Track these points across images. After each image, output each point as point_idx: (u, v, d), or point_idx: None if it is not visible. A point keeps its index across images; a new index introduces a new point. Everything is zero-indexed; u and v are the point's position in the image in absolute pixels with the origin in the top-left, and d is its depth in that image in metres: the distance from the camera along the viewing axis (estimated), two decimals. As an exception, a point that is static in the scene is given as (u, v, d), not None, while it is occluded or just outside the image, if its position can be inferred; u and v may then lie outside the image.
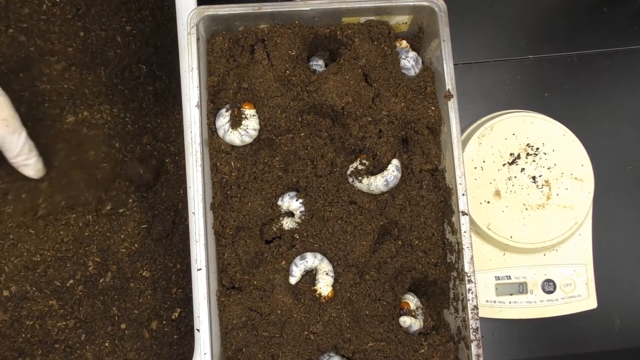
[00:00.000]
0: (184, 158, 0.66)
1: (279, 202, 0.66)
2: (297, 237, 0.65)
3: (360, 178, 0.65)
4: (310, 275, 0.64)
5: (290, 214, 0.67)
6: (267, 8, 0.65)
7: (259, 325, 0.63)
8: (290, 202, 0.65)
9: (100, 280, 0.74)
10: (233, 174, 0.66)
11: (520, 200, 0.79)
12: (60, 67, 0.77)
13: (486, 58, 0.88)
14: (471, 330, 0.61)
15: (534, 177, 0.79)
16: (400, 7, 0.67)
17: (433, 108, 0.67)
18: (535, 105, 0.85)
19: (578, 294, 0.79)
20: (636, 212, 0.84)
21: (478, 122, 0.84)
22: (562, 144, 0.80)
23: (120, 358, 0.73)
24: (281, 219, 0.66)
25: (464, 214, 0.63)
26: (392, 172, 0.64)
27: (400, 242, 0.66)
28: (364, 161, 0.65)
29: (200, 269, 0.62)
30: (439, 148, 0.67)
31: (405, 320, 0.63)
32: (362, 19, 0.69)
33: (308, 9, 0.66)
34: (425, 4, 0.66)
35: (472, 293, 0.62)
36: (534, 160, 0.80)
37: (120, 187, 0.77)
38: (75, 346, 0.73)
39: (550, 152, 0.80)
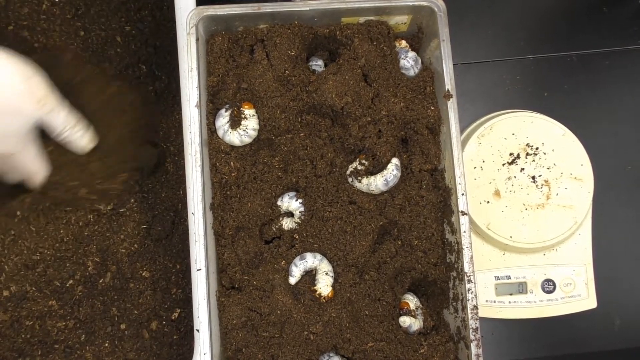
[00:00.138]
0: (183, 158, 0.66)
1: (279, 202, 0.66)
2: (297, 237, 0.65)
3: (359, 178, 0.65)
4: (310, 276, 0.64)
5: (290, 214, 0.67)
6: (267, 8, 0.65)
7: (258, 325, 0.63)
8: (290, 202, 0.65)
9: (100, 281, 0.74)
10: (232, 174, 0.66)
11: (519, 200, 0.79)
12: None
13: (486, 58, 0.88)
14: (471, 330, 0.61)
15: (533, 177, 0.79)
16: (399, 7, 0.67)
17: (432, 108, 0.67)
18: (534, 105, 0.85)
19: (578, 294, 0.79)
20: (636, 212, 0.84)
21: (477, 122, 0.84)
22: (561, 143, 0.80)
23: (120, 358, 0.73)
24: (281, 219, 0.66)
25: (463, 213, 0.63)
26: (392, 171, 0.64)
27: (399, 242, 0.66)
28: (363, 161, 0.65)
29: (200, 269, 0.62)
30: (438, 148, 0.67)
31: (405, 320, 0.63)
32: (362, 19, 0.69)
33: (307, 9, 0.66)
34: (425, 4, 0.66)
35: (471, 293, 0.62)
36: (533, 160, 0.80)
37: (124, 185, 0.77)
38: (75, 346, 0.73)
39: (549, 152, 0.80)
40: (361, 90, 0.66)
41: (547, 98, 0.87)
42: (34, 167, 0.66)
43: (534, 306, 0.79)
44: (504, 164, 0.80)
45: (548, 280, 0.79)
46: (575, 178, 0.79)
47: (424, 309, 0.66)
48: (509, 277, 0.79)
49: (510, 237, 0.78)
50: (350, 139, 0.66)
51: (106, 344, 0.73)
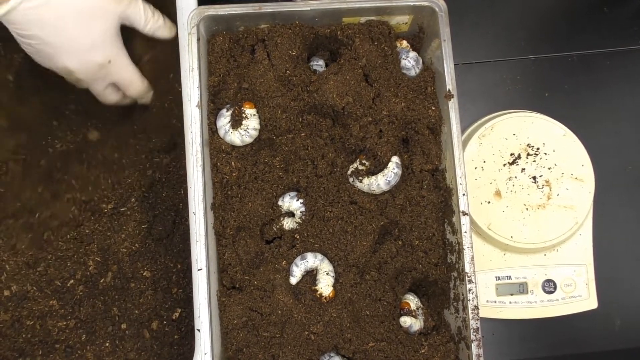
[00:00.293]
0: (184, 158, 0.66)
1: (280, 202, 0.66)
2: (298, 237, 0.65)
3: (360, 178, 0.65)
4: (310, 276, 0.64)
5: (291, 214, 0.67)
6: (268, 8, 0.65)
7: (259, 325, 0.63)
8: (291, 202, 0.65)
9: (101, 280, 0.74)
10: (233, 174, 0.66)
11: (520, 200, 0.79)
12: None
13: (486, 58, 0.88)
14: (471, 331, 0.61)
15: (534, 177, 0.79)
16: (400, 7, 0.67)
17: (433, 108, 0.67)
18: (535, 105, 0.85)
19: (578, 294, 0.79)
20: (636, 212, 0.84)
21: (478, 122, 0.84)
22: (562, 144, 0.80)
23: (121, 358, 0.73)
24: (282, 219, 0.66)
25: (464, 214, 0.63)
26: (393, 169, 0.64)
27: (400, 242, 0.66)
28: (363, 161, 0.65)
29: (201, 269, 0.62)
30: (439, 148, 0.67)
31: (406, 321, 0.63)
32: (363, 19, 0.69)
33: (308, 9, 0.66)
34: (426, 4, 0.66)
35: (472, 293, 0.62)
36: (534, 160, 0.80)
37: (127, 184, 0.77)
38: (76, 346, 0.73)
39: (550, 152, 0.80)
40: (362, 90, 0.66)
41: (547, 98, 0.87)
42: (130, 74, 0.69)
43: (535, 306, 0.79)
44: (504, 164, 0.80)
45: (549, 281, 0.79)
46: (576, 178, 0.79)
47: (425, 309, 0.66)
48: (509, 278, 0.79)
49: (511, 237, 0.78)
50: (351, 139, 0.66)
51: (107, 344, 0.73)
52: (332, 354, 0.63)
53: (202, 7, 0.65)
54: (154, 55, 0.80)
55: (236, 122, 0.65)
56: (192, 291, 0.65)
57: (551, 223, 0.78)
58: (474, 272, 0.62)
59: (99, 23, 0.63)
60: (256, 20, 0.67)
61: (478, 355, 0.61)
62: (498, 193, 0.79)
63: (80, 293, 0.74)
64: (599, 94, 0.87)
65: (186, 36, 0.64)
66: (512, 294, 0.79)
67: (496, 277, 0.79)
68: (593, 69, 0.88)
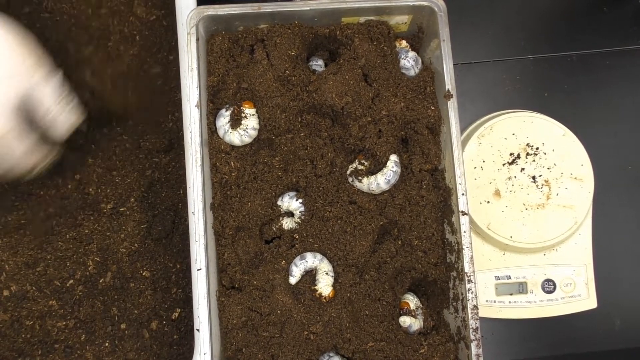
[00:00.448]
0: (183, 158, 0.66)
1: (279, 202, 0.66)
2: (297, 237, 0.65)
3: (360, 178, 0.65)
4: (310, 275, 0.64)
5: (290, 214, 0.67)
6: (267, 8, 0.65)
7: (258, 325, 0.63)
8: (290, 202, 0.65)
9: (100, 280, 0.74)
10: (233, 174, 0.66)
11: (520, 200, 0.79)
12: None
13: (486, 58, 0.88)
14: (471, 330, 0.61)
15: (533, 177, 0.79)
16: (399, 7, 0.67)
17: (433, 108, 0.67)
18: (535, 105, 0.85)
19: (578, 294, 0.79)
20: (636, 212, 0.84)
21: (478, 122, 0.84)
22: (562, 143, 0.80)
23: (121, 358, 0.73)
24: (281, 219, 0.66)
25: (463, 213, 0.63)
26: (392, 168, 0.64)
27: (400, 242, 0.66)
28: (362, 161, 0.65)
29: (200, 269, 0.62)
30: (438, 148, 0.67)
31: (405, 320, 0.63)
32: (362, 19, 0.69)
33: (308, 9, 0.66)
34: (425, 3, 0.66)
35: (472, 293, 0.62)
36: (533, 160, 0.80)
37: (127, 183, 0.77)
38: (75, 346, 0.73)
39: (550, 152, 0.80)
40: (361, 90, 0.66)
41: (547, 98, 0.87)
42: (28, 156, 0.58)
43: (534, 306, 0.79)
44: (504, 164, 0.80)
45: (548, 280, 0.79)
46: (576, 178, 0.79)
47: (424, 308, 0.66)
48: (509, 277, 0.79)
49: (511, 237, 0.78)
50: (351, 139, 0.66)
51: (106, 344, 0.73)
52: (331, 354, 0.63)
53: (202, 7, 0.65)
54: (153, 55, 0.80)
55: (235, 121, 0.65)
56: (191, 291, 0.65)
57: (550, 223, 0.78)
58: (474, 271, 0.62)
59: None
60: (255, 20, 0.67)
61: (477, 355, 0.61)
62: (497, 193, 0.79)
63: (80, 293, 0.74)
64: (598, 93, 0.87)
65: (185, 36, 0.64)
66: (511, 294, 0.79)
67: (495, 276, 0.79)
68: (592, 69, 0.88)
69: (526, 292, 0.79)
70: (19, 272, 0.73)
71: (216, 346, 0.62)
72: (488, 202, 0.79)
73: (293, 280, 0.63)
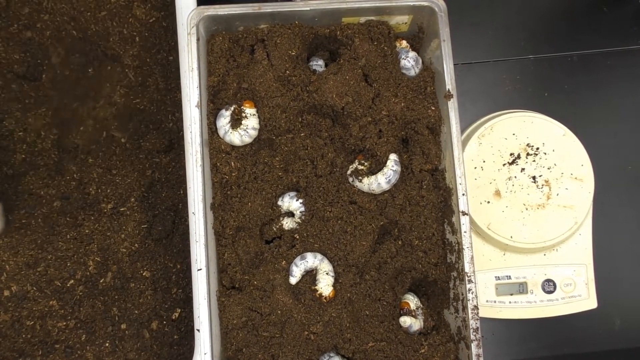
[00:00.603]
0: (184, 158, 0.66)
1: (279, 202, 0.66)
2: (297, 237, 0.65)
3: (360, 178, 0.65)
4: (310, 275, 0.64)
5: (291, 214, 0.67)
6: (267, 8, 0.65)
7: (259, 325, 0.63)
8: (291, 202, 0.65)
9: (101, 281, 0.74)
10: (233, 174, 0.66)
11: (520, 200, 0.79)
12: None
13: (486, 58, 0.88)
14: (471, 330, 0.61)
15: (534, 177, 0.79)
16: (400, 7, 0.67)
17: (433, 108, 0.67)
18: (535, 105, 0.85)
19: (578, 294, 0.79)
20: (636, 212, 0.84)
21: (478, 122, 0.84)
22: (562, 143, 0.80)
23: (121, 358, 0.73)
24: (281, 219, 0.66)
25: (464, 214, 0.63)
26: (392, 167, 0.64)
27: (400, 242, 0.66)
28: (362, 161, 0.65)
29: (201, 269, 0.62)
30: (439, 148, 0.67)
31: (406, 320, 0.63)
32: (362, 19, 0.69)
33: (308, 9, 0.66)
34: (425, 4, 0.66)
35: (472, 293, 0.62)
36: (534, 160, 0.80)
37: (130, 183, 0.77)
38: (76, 346, 0.73)
39: (550, 152, 0.80)
40: (362, 90, 0.66)
41: (547, 98, 0.87)
42: None
43: (535, 306, 0.79)
44: (504, 164, 0.80)
45: (548, 281, 0.79)
46: (576, 178, 0.79)
47: (425, 309, 0.66)
48: (509, 277, 0.79)
49: (511, 237, 0.78)
50: (351, 139, 0.66)
51: (107, 344, 0.73)
52: (331, 354, 0.63)
53: (202, 7, 0.65)
54: (152, 55, 0.80)
55: (236, 121, 0.65)
56: (191, 291, 0.65)
57: (551, 223, 0.78)
58: (474, 272, 0.62)
59: None
60: (256, 20, 0.67)
61: (478, 355, 0.61)
62: (498, 193, 0.79)
63: (80, 293, 0.74)
64: (598, 93, 0.87)
65: (186, 36, 0.64)
66: (511, 294, 0.79)
67: (496, 277, 0.79)
68: (593, 69, 0.88)
69: (526, 292, 0.79)
70: (19, 272, 0.73)
71: (216, 346, 0.62)
72: (488, 202, 0.79)
73: (293, 280, 0.63)
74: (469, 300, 0.62)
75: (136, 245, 0.76)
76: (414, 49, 0.71)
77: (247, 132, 0.65)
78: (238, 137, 0.65)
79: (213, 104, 0.67)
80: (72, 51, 0.80)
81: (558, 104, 0.86)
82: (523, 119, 0.81)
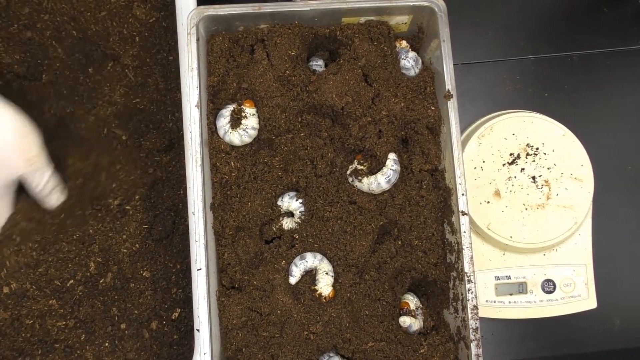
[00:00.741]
0: (184, 158, 0.66)
1: (279, 202, 0.66)
2: (297, 237, 0.65)
3: (360, 178, 0.65)
4: (310, 275, 0.64)
5: (290, 214, 0.67)
6: (267, 8, 0.65)
7: (258, 325, 0.63)
8: (290, 202, 0.65)
9: (101, 281, 0.74)
10: (233, 174, 0.66)
11: (520, 200, 0.79)
12: None
13: (486, 58, 0.88)
14: (471, 330, 0.61)
15: (533, 177, 0.79)
16: (400, 7, 0.67)
17: (433, 108, 0.67)
18: (535, 105, 0.85)
19: (578, 294, 0.79)
20: (636, 212, 0.84)
21: (478, 122, 0.84)
22: (562, 144, 0.80)
23: (120, 358, 0.73)
24: (281, 219, 0.66)
25: (463, 214, 0.63)
26: (391, 166, 0.64)
27: (400, 242, 0.66)
28: (361, 161, 0.65)
29: (200, 269, 0.62)
30: (438, 148, 0.67)
31: (405, 320, 0.63)
32: (362, 19, 0.69)
33: (308, 9, 0.66)
34: (425, 4, 0.66)
35: (471, 293, 0.62)
36: (533, 160, 0.80)
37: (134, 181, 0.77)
38: (75, 346, 0.73)
39: (550, 152, 0.80)
40: (361, 90, 0.66)
41: (547, 98, 0.87)
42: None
43: (534, 306, 0.79)
44: (504, 164, 0.80)
45: (548, 281, 0.79)
46: (576, 178, 0.79)
47: (424, 309, 0.66)
48: (509, 277, 0.79)
49: (511, 237, 0.78)
50: (351, 139, 0.66)
51: (106, 344, 0.73)
52: (331, 354, 0.63)
53: (202, 7, 0.65)
54: (152, 56, 0.80)
55: (235, 121, 0.65)
56: (191, 291, 0.65)
57: (550, 223, 0.78)
58: (473, 272, 0.62)
59: None
60: (255, 20, 0.67)
61: (477, 355, 0.61)
62: (497, 193, 0.79)
63: (80, 293, 0.74)
64: (598, 94, 0.87)
65: (185, 36, 0.65)
66: (511, 294, 0.79)
67: (495, 277, 0.79)
68: (593, 69, 0.88)
69: (526, 292, 0.79)
70: (19, 270, 0.73)
71: (216, 346, 0.62)
72: (488, 202, 0.79)
73: (293, 280, 0.63)
74: (468, 300, 0.62)
75: (137, 245, 0.76)
76: (413, 49, 0.71)
77: (247, 132, 0.65)
78: (238, 137, 0.65)
79: (213, 104, 0.67)
80: (72, 51, 0.80)
81: (558, 104, 0.86)
82: (523, 119, 0.81)
